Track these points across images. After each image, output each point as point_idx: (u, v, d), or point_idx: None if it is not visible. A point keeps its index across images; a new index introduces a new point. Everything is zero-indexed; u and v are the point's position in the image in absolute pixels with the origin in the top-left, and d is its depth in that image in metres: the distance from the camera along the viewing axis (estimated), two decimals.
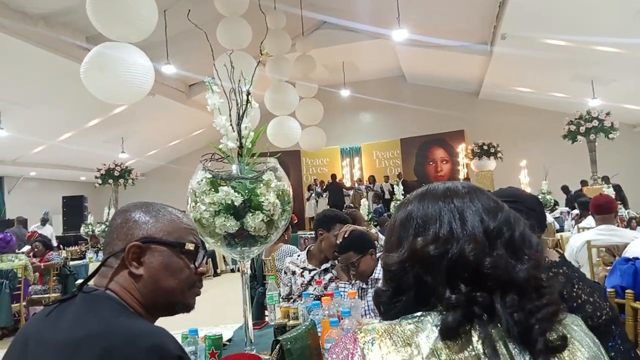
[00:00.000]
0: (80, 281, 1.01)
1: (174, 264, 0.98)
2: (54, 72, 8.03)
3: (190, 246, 1.01)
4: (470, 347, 0.61)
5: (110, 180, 11.05)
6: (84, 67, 4.69)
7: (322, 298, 1.82)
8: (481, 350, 0.61)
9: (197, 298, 1.08)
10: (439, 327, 0.63)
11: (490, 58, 9.89)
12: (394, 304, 0.70)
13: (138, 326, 0.86)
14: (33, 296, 5.71)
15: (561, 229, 7.79)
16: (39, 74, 8.02)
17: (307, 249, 2.87)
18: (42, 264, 6.05)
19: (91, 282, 0.97)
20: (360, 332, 0.66)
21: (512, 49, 8.58)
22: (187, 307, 1.03)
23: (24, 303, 5.37)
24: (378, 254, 2.30)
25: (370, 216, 10.11)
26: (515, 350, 0.61)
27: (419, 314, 0.66)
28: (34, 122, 9.72)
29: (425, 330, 0.63)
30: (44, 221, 9.61)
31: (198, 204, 1.54)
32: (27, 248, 7.23)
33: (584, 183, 9.76)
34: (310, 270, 2.73)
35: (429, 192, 0.76)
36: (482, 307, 0.62)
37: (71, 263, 7.20)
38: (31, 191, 13.81)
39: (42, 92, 8.60)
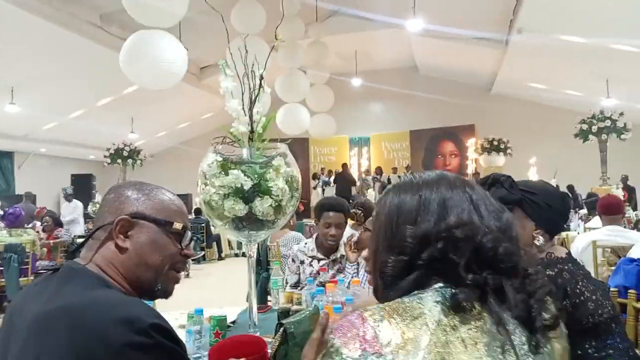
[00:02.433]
0: None
1: (161, 240, 1.00)
2: (67, 49, 8.05)
3: (177, 226, 1.02)
4: (474, 321, 0.67)
5: (119, 160, 11.12)
6: (123, 55, 4.88)
7: (327, 285, 1.84)
8: (485, 324, 0.67)
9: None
10: (442, 303, 0.68)
11: (505, 52, 9.78)
12: (401, 277, 0.73)
13: (110, 298, 0.87)
14: (40, 271, 5.80)
15: (566, 228, 7.77)
16: (53, 50, 8.05)
17: (315, 236, 2.88)
18: (51, 241, 6.14)
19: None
20: (367, 312, 0.68)
21: (528, 44, 8.47)
22: (165, 292, 1.03)
23: (32, 277, 5.46)
24: None
25: None
26: (513, 326, 0.69)
27: (415, 292, 0.71)
28: (45, 99, 9.78)
29: (427, 306, 0.67)
30: (70, 196, 9.53)
31: (208, 187, 1.55)
32: (36, 223, 7.33)
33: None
34: (319, 260, 2.75)
35: (444, 178, 0.81)
36: (493, 288, 0.69)
37: (79, 240, 7.30)
38: (40, 168, 13.94)
39: (55, 69, 8.63)
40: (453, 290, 0.68)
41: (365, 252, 0.88)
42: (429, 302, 0.68)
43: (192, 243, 1.09)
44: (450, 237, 0.71)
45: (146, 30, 4.97)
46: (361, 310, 0.69)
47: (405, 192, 0.80)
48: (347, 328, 0.66)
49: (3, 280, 5.32)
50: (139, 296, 1.01)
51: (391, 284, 0.74)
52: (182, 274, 1.09)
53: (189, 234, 1.06)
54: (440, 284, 0.70)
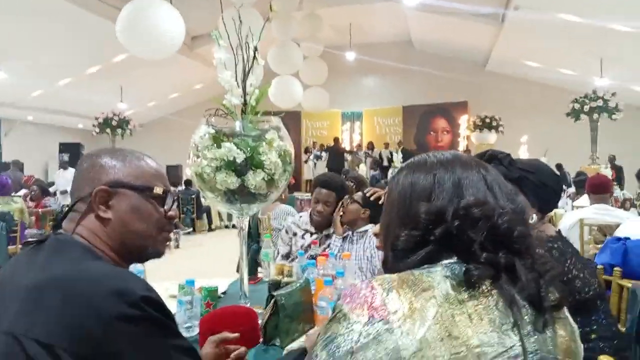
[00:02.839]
0: None
1: (143, 207, 0.98)
2: (55, 16, 7.84)
3: (158, 190, 1.00)
4: (483, 298, 0.68)
5: (108, 130, 10.99)
6: (120, 24, 4.78)
7: (318, 257, 1.86)
8: (495, 301, 0.68)
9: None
10: (452, 278, 0.69)
11: (501, 29, 9.69)
12: (412, 252, 0.74)
13: (101, 270, 0.86)
14: (29, 239, 5.78)
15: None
16: (40, 17, 7.82)
17: (310, 210, 2.90)
18: (39, 210, 6.10)
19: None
20: (377, 281, 0.70)
21: (524, 20, 8.39)
22: (157, 253, 1.02)
23: (20, 246, 5.44)
24: None
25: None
26: (522, 303, 0.69)
27: (425, 266, 0.72)
28: (33, 66, 9.57)
29: (437, 279, 0.69)
30: (65, 164, 9.58)
31: (199, 159, 1.54)
32: (23, 192, 7.27)
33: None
34: (312, 234, 2.76)
35: (458, 158, 0.82)
36: (505, 267, 0.70)
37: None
38: (28, 135, 13.74)
39: (43, 36, 8.42)
40: (464, 267, 0.70)
41: (376, 228, 0.90)
42: (438, 276, 0.69)
43: (175, 204, 1.07)
44: (468, 216, 0.72)
45: None
46: (371, 279, 0.71)
47: (419, 171, 0.81)
48: (356, 295, 0.69)
49: None
50: (131, 262, 1.01)
51: (402, 258, 0.75)
52: (172, 244, 1.08)
53: (170, 196, 1.04)
54: (450, 260, 0.72)
